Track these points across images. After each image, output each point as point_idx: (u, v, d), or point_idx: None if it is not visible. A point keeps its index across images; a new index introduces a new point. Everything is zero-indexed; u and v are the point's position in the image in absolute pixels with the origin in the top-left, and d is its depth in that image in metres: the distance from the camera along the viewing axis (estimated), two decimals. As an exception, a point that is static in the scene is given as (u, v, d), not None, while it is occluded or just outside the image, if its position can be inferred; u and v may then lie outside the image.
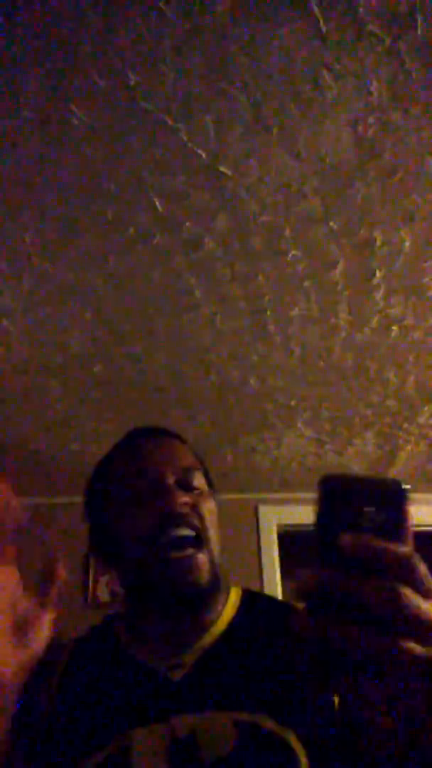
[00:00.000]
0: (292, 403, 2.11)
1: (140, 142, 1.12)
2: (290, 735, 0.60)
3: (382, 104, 1.05)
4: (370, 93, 1.03)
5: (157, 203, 1.26)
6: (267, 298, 1.56)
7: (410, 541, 0.38)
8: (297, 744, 0.60)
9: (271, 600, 0.86)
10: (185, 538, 0.69)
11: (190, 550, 0.69)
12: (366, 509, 0.38)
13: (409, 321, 1.67)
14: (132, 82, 1.00)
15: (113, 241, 1.36)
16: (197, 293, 1.54)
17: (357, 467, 2.66)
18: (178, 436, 0.84)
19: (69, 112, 1.05)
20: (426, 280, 1.51)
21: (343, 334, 1.72)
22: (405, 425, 2.29)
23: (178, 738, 0.61)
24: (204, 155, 1.15)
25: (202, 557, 0.70)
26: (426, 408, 2.17)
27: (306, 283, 1.51)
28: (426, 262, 1.44)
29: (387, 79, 1.00)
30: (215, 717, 0.62)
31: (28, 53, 0.96)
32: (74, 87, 1.01)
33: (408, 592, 0.34)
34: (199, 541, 0.71)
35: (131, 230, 1.33)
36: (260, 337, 1.73)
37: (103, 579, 2.82)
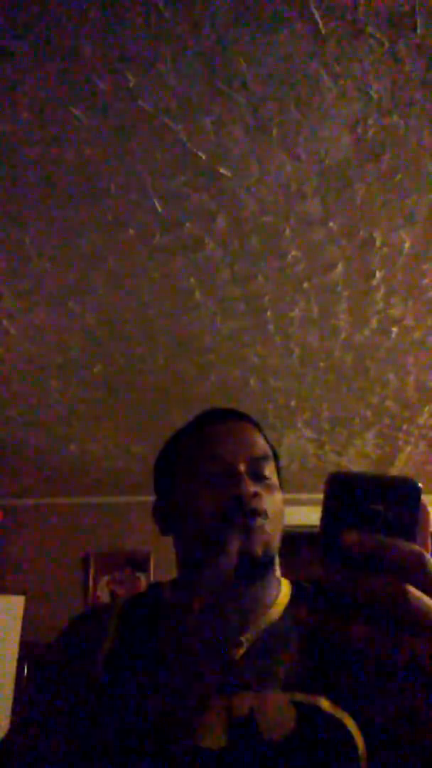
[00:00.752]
0: (292, 403, 2.11)
1: (140, 143, 1.12)
2: (347, 718, 0.60)
3: (382, 105, 1.05)
4: (369, 94, 1.03)
5: (157, 204, 1.26)
6: (267, 298, 1.56)
7: (428, 544, 0.37)
8: (353, 727, 0.60)
9: (318, 588, 0.84)
10: (251, 527, 0.69)
11: (252, 519, 0.69)
12: (375, 507, 0.37)
13: (409, 321, 1.67)
14: (132, 83, 1.00)
15: (113, 241, 1.36)
16: (197, 294, 1.54)
17: (357, 468, 2.66)
18: (253, 421, 0.82)
19: (69, 112, 1.05)
20: (426, 280, 1.51)
21: (343, 334, 1.72)
22: (405, 426, 2.29)
23: (236, 716, 0.61)
24: (204, 156, 1.15)
25: (266, 528, 0.70)
26: (426, 408, 2.16)
27: (306, 284, 1.51)
28: (426, 262, 1.44)
29: (386, 80, 1.00)
30: (274, 697, 0.62)
31: (28, 54, 0.96)
32: (74, 87, 1.01)
33: (416, 592, 0.33)
34: (263, 516, 0.71)
35: (131, 230, 1.33)
36: (260, 338, 1.73)
37: (103, 579, 2.82)
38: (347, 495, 0.38)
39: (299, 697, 0.62)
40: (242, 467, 0.73)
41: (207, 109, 1.05)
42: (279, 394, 2.05)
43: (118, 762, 0.60)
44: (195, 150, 1.14)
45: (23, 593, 2.64)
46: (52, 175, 1.19)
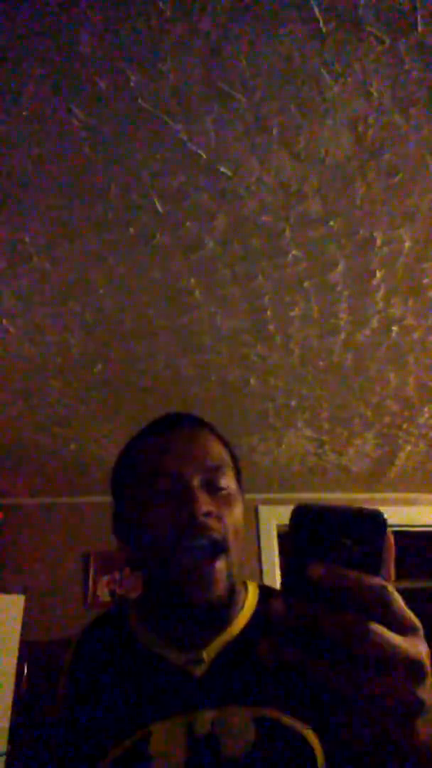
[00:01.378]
0: (292, 403, 2.11)
1: (140, 142, 1.12)
2: (308, 732, 0.60)
3: (382, 104, 1.05)
4: (370, 93, 1.03)
5: (157, 203, 1.26)
6: (267, 298, 1.56)
7: (390, 573, 0.38)
8: (315, 741, 0.60)
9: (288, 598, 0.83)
10: (204, 548, 0.66)
11: (207, 561, 0.66)
12: (341, 540, 0.37)
13: (409, 321, 1.67)
14: (132, 82, 1.00)
15: (113, 241, 1.36)
16: (197, 293, 1.54)
17: (357, 467, 2.65)
18: (209, 426, 0.78)
19: (69, 112, 1.05)
20: (426, 280, 1.51)
21: (343, 334, 1.72)
22: (405, 425, 2.29)
23: (197, 733, 0.61)
24: (204, 155, 1.15)
25: (220, 567, 0.67)
26: (426, 408, 2.16)
27: (306, 284, 1.51)
28: (426, 262, 1.44)
29: (387, 79, 1.00)
30: (235, 712, 0.62)
31: (28, 53, 0.96)
32: (74, 87, 1.01)
33: (378, 628, 0.33)
34: (219, 549, 0.67)
35: (131, 230, 1.33)
36: (260, 338, 1.73)
37: (103, 579, 2.82)
38: (313, 527, 0.38)
39: (260, 712, 0.61)
40: (195, 481, 0.69)
41: (207, 109, 1.05)
42: (279, 394, 2.05)
43: None
44: (195, 150, 1.13)
45: (23, 593, 2.64)
46: (52, 175, 1.19)
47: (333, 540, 0.37)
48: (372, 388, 2.02)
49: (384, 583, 0.35)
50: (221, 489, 0.71)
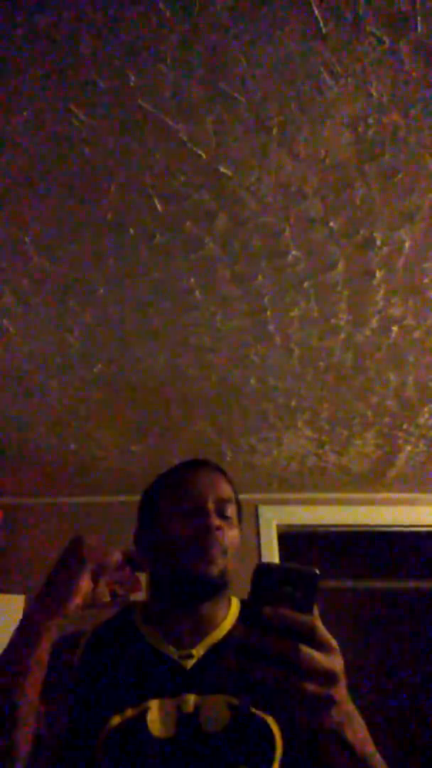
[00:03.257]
0: (292, 403, 2.11)
1: (140, 142, 1.12)
2: (269, 718, 0.80)
3: (382, 104, 1.05)
4: (370, 93, 1.03)
5: (157, 203, 1.26)
6: (267, 298, 1.56)
7: (316, 610, 0.55)
8: (275, 726, 0.79)
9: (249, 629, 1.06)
10: (212, 548, 0.88)
11: (213, 550, 0.88)
12: (285, 588, 0.55)
13: (409, 321, 1.67)
14: (132, 82, 1.00)
15: (113, 241, 1.36)
16: (197, 293, 1.54)
17: (357, 467, 2.65)
18: (221, 470, 1.02)
19: (69, 112, 1.05)
20: (426, 280, 1.51)
21: (343, 334, 1.72)
22: (405, 426, 2.29)
23: (185, 711, 0.80)
24: (204, 155, 1.15)
25: (220, 556, 0.88)
26: (426, 408, 2.16)
27: (306, 284, 1.51)
28: (426, 262, 1.44)
29: (387, 79, 1.00)
30: (214, 699, 0.81)
31: (28, 53, 0.96)
32: (74, 87, 1.01)
33: (306, 649, 0.53)
34: (222, 551, 0.89)
35: (131, 230, 1.33)
36: (260, 338, 1.73)
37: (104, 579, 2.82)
38: (267, 579, 0.56)
39: (234, 700, 0.81)
40: (211, 505, 0.92)
41: (207, 108, 1.05)
42: (279, 394, 2.05)
43: (90, 757, 0.77)
44: (195, 149, 1.14)
45: (23, 593, 2.63)
46: (52, 175, 1.19)
47: (279, 588, 0.55)
48: (372, 388, 2.02)
49: (311, 619, 0.54)
50: (227, 517, 0.94)
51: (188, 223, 1.31)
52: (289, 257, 1.42)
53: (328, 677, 0.53)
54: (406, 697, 3.18)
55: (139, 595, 0.93)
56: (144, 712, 0.79)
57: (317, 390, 2.03)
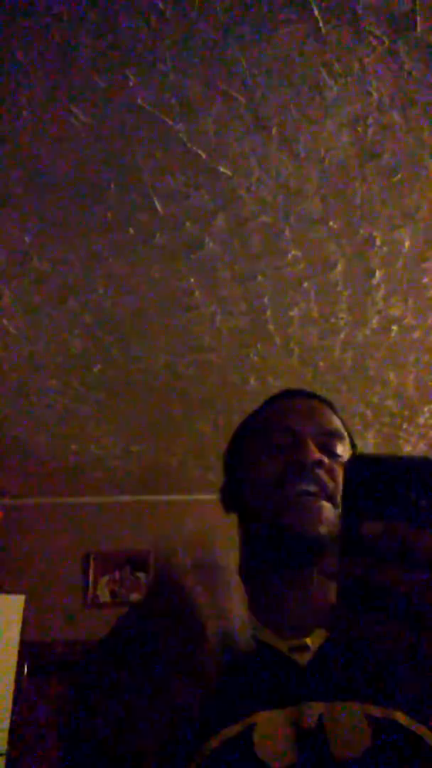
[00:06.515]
0: (292, 403, 2.11)
1: (140, 142, 1.12)
2: (426, 732, 0.54)
3: (382, 104, 1.05)
4: (369, 93, 1.03)
5: (157, 203, 1.26)
6: (267, 298, 1.56)
7: None
8: None
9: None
10: (310, 493, 0.63)
11: (313, 498, 0.63)
12: (403, 494, 0.33)
13: (409, 321, 1.67)
14: (132, 82, 1.00)
15: (113, 241, 1.36)
16: (197, 293, 1.54)
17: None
18: (327, 401, 0.78)
19: (69, 112, 1.05)
20: (426, 280, 1.51)
21: (343, 334, 1.72)
22: (405, 425, 2.29)
23: (305, 727, 0.54)
24: (204, 155, 1.15)
25: (326, 506, 0.63)
26: (426, 408, 2.17)
27: (306, 284, 1.51)
28: (426, 262, 1.44)
29: (386, 79, 1.00)
30: (346, 707, 0.55)
31: (28, 54, 0.96)
32: (74, 87, 1.01)
33: None
34: (326, 495, 0.64)
35: (131, 230, 1.33)
36: (260, 337, 1.73)
37: (103, 579, 2.82)
38: (371, 480, 0.33)
39: (374, 710, 0.54)
40: (309, 437, 0.67)
41: (207, 108, 1.05)
42: (279, 394, 2.05)
43: None
44: (195, 149, 1.13)
45: (23, 593, 2.63)
46: (52, 175, 1.19)
47: (394, 493, 0.33)
48: (372, 388, 2.02)
49: None
50: (338, 456, 0.68)
51: (188, 223, 1.31)
52: (289, 257, 1.42)
53: None
54: None
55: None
56: (248, 730, 0.54)
57: (317, 390, 2.02)
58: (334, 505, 0.64)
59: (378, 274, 1.48)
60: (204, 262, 1.43)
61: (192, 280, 1.49)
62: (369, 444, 2.44)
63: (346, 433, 0.74)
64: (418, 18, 0.91)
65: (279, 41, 0.94)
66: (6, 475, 2.74)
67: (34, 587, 2.76)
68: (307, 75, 1.00)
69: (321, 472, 0.64)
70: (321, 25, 0.92)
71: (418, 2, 0.89)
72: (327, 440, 0.69)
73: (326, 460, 0.66)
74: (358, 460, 0.35)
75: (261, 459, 0.68)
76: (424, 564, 0.30)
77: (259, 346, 1.77)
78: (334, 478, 0.65)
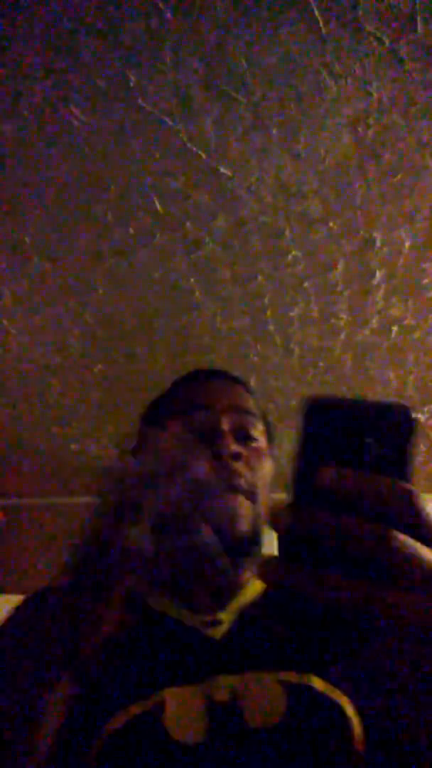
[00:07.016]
0: (292, 403, 2.11)
1: (140, 142, 1.12)
2: (344, 700, 0.52)
3: (382, 105, 1.05)
4: (370, 93, 1.03)
5: (157, 203, 1.26)
6: (267, 298, 1.56)
7: (414, 479, 0.30)
8: (351, 710, 0.52)
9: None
10: (230, 486, 0.61)
11: (231, 495, 0.60)
12: (360, 439, 0.30)
13: (409, 321, 1.67)
14: (132, 82, 1.00)
15: (113, 241, 1.36)
16: (197, 293, 1.54)
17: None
18: (242, 381, 0.75)
19: (69, 112, 1.05)
20: (426, 280, 1.51)
21: (343, 334, 1.72)
22: (405, 425, 2.29)
23: (218, 701, 0.53)
24: (204, 155, 1.15)
25: (245, 503, 0.61)
26: (426, 408, 2.17)
27: (306, 284, 1.51)
28: (426, 262, 1.44)
29: (387, 79, 1.00)
30: (259, 678, 0.54)
31: (28, 54, 0.96)
32: (74, 87, 1.01)
33: (402, 537, 0.27)
34: (245, 491, 0.62)
35: (131, 230, 1.33)
36: (260, 338, 1.73)
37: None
38: (326, 424, 0.31)
39: (288, 676, 0.53)
40: (225, 424, 0.64)
41: (207, 108, 1.05)
42: (279, 394, 2.05)
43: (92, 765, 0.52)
44: (195, 150, 1.13)
45: (23, 593, 2.64)
46: (52, 175, 1.19)
47: (350, 439, 0.30)
48: (372, 388, 2.02)
49: (411, 488, 0.29)
50: (253, 439, 0.66)
51: (188, 223, 1.31)
52: (289, 257, 1.42)
53: None
54: None
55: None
56: (158, 707, 0.52)
57: (317, 390, 2.03)
58: (252, 494, 0.63)
59: (378, 274, 1.48)
60: (204, 262, 1.43)
61: (192, 280, 1.49)
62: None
63: (259, 414, 0.72)
64: (419, 19, 0.91)
65: (279, 41, 0.94)
66: (6, 475, 2.74)
67: (34, 587, 2.75)
68: (307, 75, 1.00)
69: (238, 465, 0.62)
70: (321, 25, 0.92)
71: (418, 3, 0.89)
72: (242, 421, 0.67)
73: (243, 451, 0.64)
74: (315, 403, 0.32)
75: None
76: (377, 513, 0.28)
77: (259, 346, 1.77)
78: (251, 468, 0.64)
